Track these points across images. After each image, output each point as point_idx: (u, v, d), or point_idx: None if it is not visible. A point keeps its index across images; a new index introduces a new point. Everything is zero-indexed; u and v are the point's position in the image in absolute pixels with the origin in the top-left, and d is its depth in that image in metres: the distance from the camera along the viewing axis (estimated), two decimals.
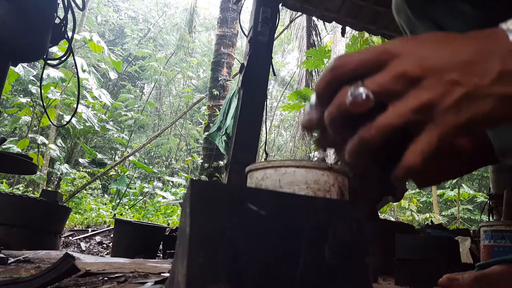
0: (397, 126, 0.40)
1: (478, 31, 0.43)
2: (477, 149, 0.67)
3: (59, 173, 8.75)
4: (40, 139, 7.53)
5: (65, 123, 8.26)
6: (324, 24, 8.52)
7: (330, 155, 8.83)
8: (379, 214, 3.54)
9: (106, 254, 3.78)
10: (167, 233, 3.57)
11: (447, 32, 0.43)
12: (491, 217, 3.29)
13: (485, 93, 0.39)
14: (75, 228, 4.99)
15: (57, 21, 1.64)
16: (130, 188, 8.95)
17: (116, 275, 1.22)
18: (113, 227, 3.91)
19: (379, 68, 0.41)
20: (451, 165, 0.68)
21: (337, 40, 7.58)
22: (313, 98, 0.47)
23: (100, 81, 9.02)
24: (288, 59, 19.20)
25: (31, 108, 7.54)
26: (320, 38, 8.95)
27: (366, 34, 6.71)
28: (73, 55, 1.92)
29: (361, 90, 0.41)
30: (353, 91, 0.41)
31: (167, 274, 1.26)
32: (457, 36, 0.42)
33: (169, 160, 14.05)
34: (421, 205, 11.98)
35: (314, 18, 6.39)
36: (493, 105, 0.39)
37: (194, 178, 0.48)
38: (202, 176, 6.66)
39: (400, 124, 0.40)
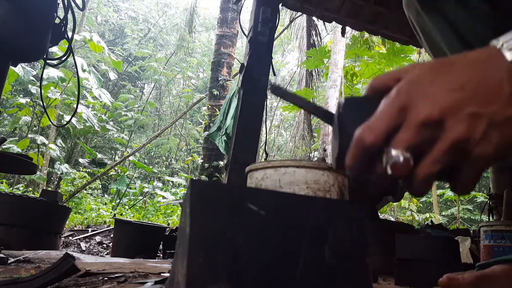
0: (437, 171, 0.41)
1: (471, 52, 0.43)
2: None
3: (59, 173, 8.75)
4: (40, 139, 7.52)
5: (65, 123, 8.26)
6: (324, 24, 8.52)
7: (330, 155, 8.83)
8: (379, 214, 3.54)
9: (106, 254, 3.78)
10: (167, 233, 3.56)
11: (440, 60, 0.44)
12: (491, 217, 3.29)
13: (505, 116, 0.40)
14: (75, 228, 4.99)
15: (57, 21, 1.64)
16: (130, 188, 8.95)
17: (116, 275, 1.22)
18: (113, 227, 3.91)
19: (399, 125, 0.42)
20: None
21: (337, 40, 7.58)
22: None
23: (100, 81, 9.01)
24: (288, 59, 19.19)
25: (31, 108, 7.54)
26: (320, 38, 8.95)
27: (366, 34, 6.72)
28: (73, 55, 1.92)
29: (394, 153, 0.41)
30: (387, 160, 0.41)
31: (167, 274, 1.26)
32: (454, 62, 0.43)
33: (169, 160, 14.05)
34: (421, 205, 11.97)
35: (314, 18, 6.39)
36: None
37: (194, 178, 0.48)
38: (202, 176, 6.66)
39: (439, 168, 0.41)
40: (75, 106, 6.38)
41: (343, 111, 0.47)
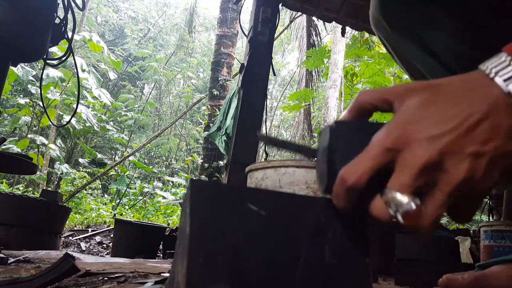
0: (443, 212, 0.40)
1: (460, 79, 0.42)
2: None
3: (59, 173, 8.75)
4: (40, 139, 7.52)
5: (65, 123, 8.25)
6: (324, 24, 8.52)
7: None
8: None
9: (106, 254, 3.78)
10: (167, 233, 3.57)
11: (429, 87, 0.42)
12: (491, 217, 3.29)
13: (505, 151, 0.39)
14: (75, 228, 4.99)
15: (57, 21, 1.64)
16: (130, 188, 8.95)
17: (116, 275, 1.22)
18: (113, 227, 3.91)
19: (392, 164, 0.40)
20: None
21: (337, 40, 7.58)
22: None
23: (100, 81, 9.01)
24: (288, 59, 19.20)
25: (31, 108, 7.54)
26: (320, 38, 8.95)
27: (366, 34, 6.72)
28: (73, 55, 1.92)
29: (404, 200, 0.38)
30: (397, 208, 0.39)
31: (167, 274, 1.26)
32: (445, 92, 0.41)
33: (169, 160, 14.05)
34: None
35: (314, 18, 6.38)
36: None
37: (194, 178, 0.48)
38: (202, 176, 6.66)
39: (446, 210, 0.40)
40: (75, 106, 6.37)
41: (333, 138, 0.45)
